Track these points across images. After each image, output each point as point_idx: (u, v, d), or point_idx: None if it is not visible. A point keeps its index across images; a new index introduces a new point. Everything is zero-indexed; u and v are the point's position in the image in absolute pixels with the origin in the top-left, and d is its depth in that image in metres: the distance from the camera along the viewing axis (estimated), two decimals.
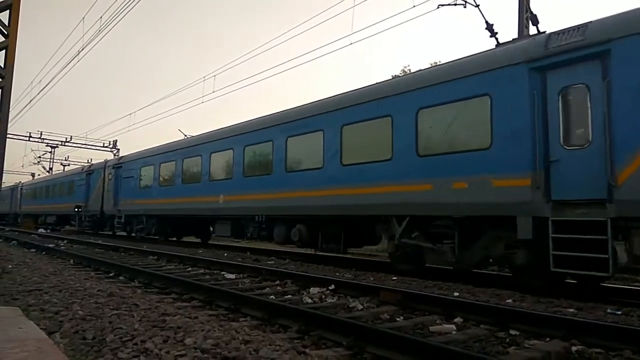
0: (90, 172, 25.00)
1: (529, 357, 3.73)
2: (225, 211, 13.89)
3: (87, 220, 24.77)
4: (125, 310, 4.63)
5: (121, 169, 20.98)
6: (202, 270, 9.31)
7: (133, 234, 20.13)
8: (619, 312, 5.49)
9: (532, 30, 10.63)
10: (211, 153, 14.78)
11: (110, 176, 21.86)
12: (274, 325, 4.73)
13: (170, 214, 17.18)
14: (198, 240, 19.98)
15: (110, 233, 23.77)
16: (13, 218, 40.34)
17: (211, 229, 17.41)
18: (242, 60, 46.49)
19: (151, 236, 18.87)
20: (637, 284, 10.41)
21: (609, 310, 5.59)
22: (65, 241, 17.29)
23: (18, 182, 44.82)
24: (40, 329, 3.82)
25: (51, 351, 3.13)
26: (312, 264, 10.53)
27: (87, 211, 24.50)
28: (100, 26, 17.91)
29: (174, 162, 16.76)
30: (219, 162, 14.45)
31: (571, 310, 5.56)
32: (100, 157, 39.83)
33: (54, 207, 29.77)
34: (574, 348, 4.00)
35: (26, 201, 36.62)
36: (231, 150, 13.82)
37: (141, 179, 19.02)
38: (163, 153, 17.70)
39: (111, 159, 24.51)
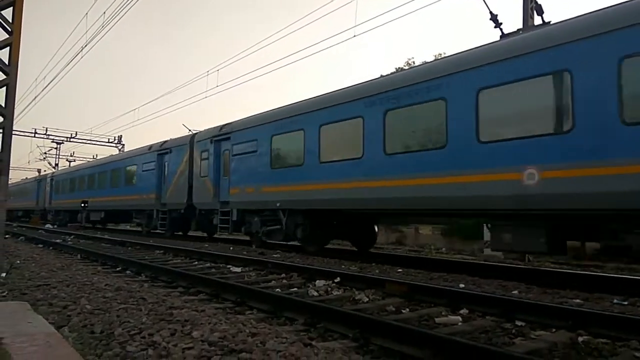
0: (164, 151, 18.61)
1: (535, 348, 3.73)
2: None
3: (162, 218, 18.45)
4: (133, 304, 4.66)
5: (228, 142, 14.60)
6: (208, 264, 9.36)
7: (262, 238, 13.19)
8: (626, 303, 5.48)
9: (537, 20, 10.55)
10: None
11: (205, 154, 15.73)
12: (280, 318, 4.76)
13: (347, 207, 10.59)
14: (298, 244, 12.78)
15: (204, 235, 18.84)
16: (40, 215, 35.51)
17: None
18: (246, 54, 46.39)
19: (298, 243, 12.35)
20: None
21: (615, 301, 5.58)
22: (72, 236, 17.40)
23: (44, 172, 41.01)
24: (49, 323, 3.85)
25: (60, 345, 3.16)
26: (318, 257, 10.56)
27: (160, 205, 18.43)
28: (104, 22, 17.91)
29: (360, 119, 10.02)
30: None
31: (577, 300, 5.56)
32: (105, 152, 39.65)
33: (102, 201, 24.14)
34: (580, 339, 4.00)
35: (60, 194, 31.22)
36: None
37: (276, 154, 12.67)
38: (332, 106, 10.97)
39: (204, 131, 16.76)
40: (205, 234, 19.03)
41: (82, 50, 19.32)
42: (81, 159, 40.86)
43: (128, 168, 21.88)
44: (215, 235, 18.26)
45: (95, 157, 37.26)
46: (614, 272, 10.29)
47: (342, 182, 10.41)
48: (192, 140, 16.96)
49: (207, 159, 15.62)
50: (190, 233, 20.20)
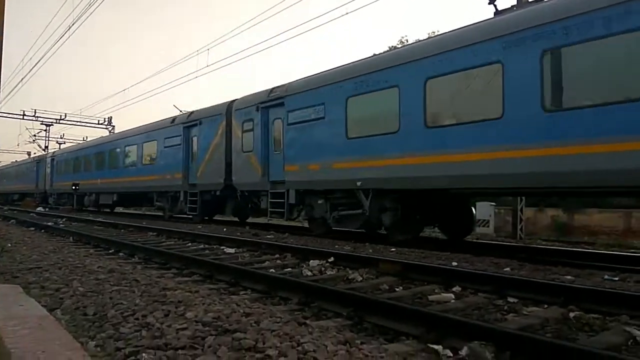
0: (192, 123, 16.08)
1: (527, 324, 3.77)
2: None
3: (191, 201, 15.99)
4: (126, 286, 4.64)
5: (281, 109, 12.00)
6: (201, 246, 9.35)
7: (330, 224, 10.89)
8: (616, 279, 5.55)
9: None
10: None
11: (248, 125, 13.26)
12: (275, 298, 4.77)
13: (479, 185, 8.17)
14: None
15: (242, 220, 16.22)
16: (41, 199, 32.86)
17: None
18: (237, 33, 45.69)
19: (383, 231, 10.24)
20: (632, 250, 10.54)
21: (606, 277, 5.65)
22: (64, 219, 17.30)
23: (34, 154, 39.26)
24: (42, 306, 3.82)
25: (53, 327, 3.14)
26: (312, 237, 10.58)
27: (188, 186, 16.15)
28: (91, 0, 17.48)
29: (498, 65, 7.48)
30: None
31: (569, 277, 5.62)
32: (95, 134, 39.00)
33: (115, 182, 21.54)
34: (572, 314, 4.05)
35: (62, 176, 28.60)
36: None
37: (355, 120, 10.00)
38: (446, 52, 8.32)
39: (245, 97, 14.04)
40: (236, 219, 16.55)
41: (69, 29, 18.96)
42: (71, 141, 40.45)
43: (146, 144, 19.00)
44: (253, 220, 16.14)
45: (85, 139, 36.71)
46: (604, 249, 10.43)
47: (468, 153, 7.73)
48: (229, 108, 14.32)
49: (252, 130, 13.03)
50: (219, 217, 17.31)
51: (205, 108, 16.10)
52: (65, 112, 39.38)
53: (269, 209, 12.45)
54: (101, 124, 38.80)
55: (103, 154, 23.33)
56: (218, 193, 14.78)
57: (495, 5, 9.10)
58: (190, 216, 16.45)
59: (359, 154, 9.73)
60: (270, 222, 15.06)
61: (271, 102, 12.49)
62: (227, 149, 14.18)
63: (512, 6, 9.08)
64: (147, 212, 25.87)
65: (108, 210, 25.47)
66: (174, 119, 17.48)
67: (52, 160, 30.76)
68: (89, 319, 3.60)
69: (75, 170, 26.59)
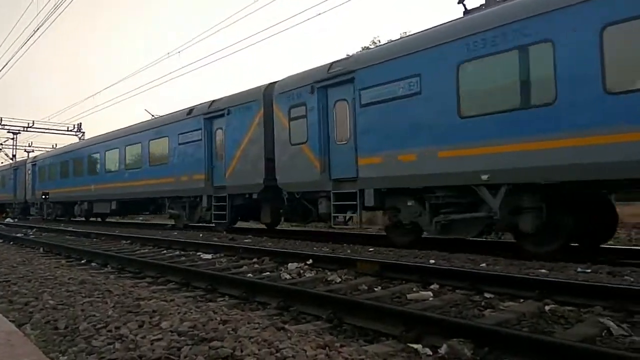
0: (216, 113, 13.51)
1: (504, 318, 3.81)
2: None
3: (218, 207, 13.30)
4: (98, 297, 4.51)
5: (349, 87, 9.69)
6: (177, 252, 9.19)
7: (434, 230, 8.41)
8: (589, 270, 5.67)
9: None
10: None
11: (298, 111, 10.78)
12: (253, 303, 4.71)
13: None
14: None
15: (271, 227, 13.90)
16: (20, 210, 29.87)
17: None
18: (208, 35, 45.28)
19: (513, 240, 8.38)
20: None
21: (579, 269, 5.77)
22: (34, 230, 16.81)
23: (1, 164, 35.92)
24: (9, 321, 3.68)
25: (22, 343, 3.03)
26: (290, 240, 10.53)
27: (213, 189, 13.50)
28: (57, 3, 17.07)
29: None
30: None
31: (543, 270, 5.72)
32: (64, 141, 37.94)
33: (113, 188, 18.71)
34: (547, 307, 4.11)
35: (46, 183, 25.49)
36: None
37: (474, 93, 7.83)
38: None
39: (292, 76, 11.56)
40: (264, 225, 14.18)
41: (34, 33, 18.48)
42: (40, 149, 39.33)
43: (154, 142, 16.31)
44: (240, 225, 14.74)
45: (54, 146, 35.74)
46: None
47: None
48: (267, 92, 11.90)
49: (304, 117, 10.52)
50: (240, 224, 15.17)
51: (233, 95, 13.57)
52: (33, 119, 38.28)
53: (333, 214, 9.98)
54: (70, 130, 37.91)
55: (97, 156, 20.31)
56: (255, 196, 12.09)
57: (464, 5, 9.22)
58: (216, 224, 13.75)
59: (483, 137, 7.44)
60: (332, 229, 12.76)
61: (333, 79, 9.93)
62: (266, 143, 11.71)
63: (481, 5, 9.21)
64: (147, 221, 23.64)
65: (99, 219, 23.76)
66: (190, 110, 14.73)
67: (34, 165, 27.47)
68: (60, 333, 3.48)
69: (63, 175, 23.78)
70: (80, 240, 12.50)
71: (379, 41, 26.55)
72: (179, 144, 14.93)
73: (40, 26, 18.22)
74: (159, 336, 3.08)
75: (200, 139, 14.00)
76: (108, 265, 7.68)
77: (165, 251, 9.57)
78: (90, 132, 38.90)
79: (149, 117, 18.53)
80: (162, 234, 12.49)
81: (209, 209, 13.65)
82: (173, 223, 16.23)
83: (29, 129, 37.95)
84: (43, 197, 25.26)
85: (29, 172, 27.96)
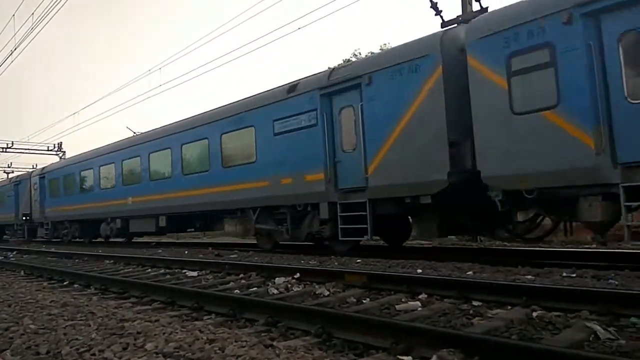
0: (343, 85, 9.77)
1: (493, 326, 3.81)
2: None
3: (346, 219, 9.52)
4: (81, 320, 4.40)
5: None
6: (162, 271, 9.05)
7: None
8: (574, 275, 5.73)
9: (475, 6, 10.80)
10: None
11: (529, 59, 6.99)
12: (240, 320, 4.63)
13: None
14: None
15: (395, 245, 11.22)
16: (23, 231, 25.80)
17: None
18: (189, 52, 45.25)
19: None
20: (586, 245, 10.96)
21: (564, 274, 5.82)
22: (14, 252, 16.43)
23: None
24: None
25: None
26: (276, 254, 10.45)
27: (337, 193, 9.85)
28: (33, 23, 16.90)
29: None
30: None
31: (529, 276, 5.76)
32: (45, 161, 37.25)
33: (161, 199, 14.86)
34: (534, 314, 4.12)
35: (61, 198, 21.53)
36: None
37: None
38: None
39: (503, 9, 7.66)
40: (385, 243, 11.59)
41: (11, 54, 18.23)
42: (19, 169, 38.58)
43: (230, 135, 12.45)
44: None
45: (34, 166, 35.04)
46: (559, 247, 10.79)
47: None
48: (448, 41, 8.22)
49: (549, 66, 6.69)
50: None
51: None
52: (12, 139, 37.59)
53: (627, 223, 6.30)
54: (51, 150, 37.31)
55: (136, 162, 16.22)
56: (426, 200, 8.26)
57: (441, 17, 9.37)
58: (346, 241, 9.77)
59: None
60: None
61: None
62: (448, 117, 7.92)
63: (457, 16, 9.38)
64: (190, 240, 20.11)
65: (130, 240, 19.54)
66: (292, 87, 10.87)
67: (42, 179, 23.52)
68: (41, 358, 3.38)
69: (84, 188, 19.72)
70: (62, 262, 12.23)
71: (360, 54, 26.71)
72: (275, 134, 11.02)
73: (17, 46, 17.99)
74: (144, 358, 3.01)
75: (315, 124, 10.07)
76: (91, 286, 7.52)
77: (149, 270, 9.41)
78: (71, 152, 38.22)
79: (130, 134, 18.32)
80: (146, 253, 12.29)
81: (329, 221, 9.88)
82: (254, 241, 12.52)
83: (8, 150, 37.26)
84: (24, 218, 24.46)
85: (36, 186, 23.87)
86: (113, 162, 17.61)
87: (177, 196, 14.11)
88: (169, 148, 14.69)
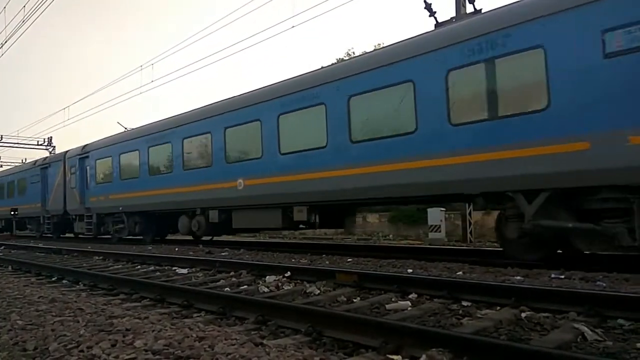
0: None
1: (482, 326, 3.83)
2: None
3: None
4: (70, 316, 4.36)
5: None
6: (151, 268, 9.00)
7: None
8: (562, 276, 5.78)
9: (469, 8, 10.86)
10: None
11: None
12: (230, 318, 4.62)
13: None
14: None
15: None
16: (54, 226, 21.26)
17: None
18: (181, 47, 44.94)
19: None
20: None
21: (552, 275, 5.87)
22: (2, 247, 16.27)
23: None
24: None
25: None
26: (267, 252, 10.43)
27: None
28: (24, 16, 16.71)
29: None
30: None
31: (518, 277, 5.80)
32: (34, 155, 36.75)
33: (329, 178, 9.73)
34: (523, 314, 4.15)
35: (116, 183, 16.68)
36: None
37: None
38: None
39: None
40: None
41: (1, 47, 18.00)
42: (8, 164, 38.20)
43: (372, 97, 9.12)
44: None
45: (24, 161, 34.62)
46: None
47: None
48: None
49: None
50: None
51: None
52: (2, 134, 37.21)
53: None
54: (41, 144, 37.00)
55: (256, 127, 11.49)
56: None
57: (435, 18, 9.40)
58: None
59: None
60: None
61: None
62: None
63: (451, 18, 9.41)
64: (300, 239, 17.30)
65: (71, 235, 19.17)
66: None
67: (83, 159, 18.58)
68: (29, 354, 3.35)
69: (155, 169, 15.02)
70: (50, 257, 12.14)
71: (354, 53, 26.78)
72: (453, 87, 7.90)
73: (8, 39, 17.78)
74: (133, 355, 2.99)
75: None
76: (80, 283, 7.46)
77: (139, 267, 9.35)
78: (61, 147, 37.74)
79: (122, 130, 17.97)
80: (136, 250, 12.22)
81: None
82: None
83: None
84: (12, 212, 23.78)
85: (73, 169, 19.08)
86: (209, 132, 12.85)
87: (349, 173, 9.38)
88: (322, 104, 9.97)
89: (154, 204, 14.97)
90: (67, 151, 20.26)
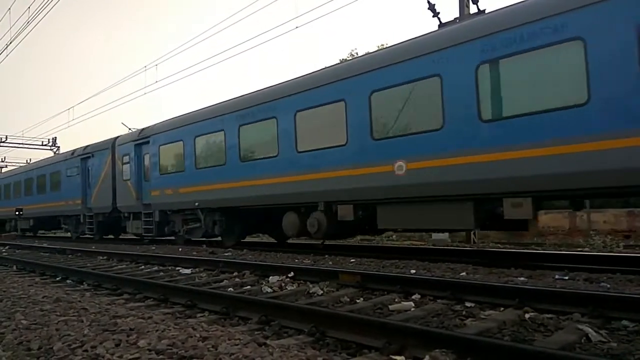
0: None
1: (485, 327, 3.82)
2: None
3: None
4: (74, 316, 4.38)
5: None
6: (155, 268, 9.02)
7: None
8: (566, 278, 5.76)
9: (473, 9, 10.84)
10: None
11: None
12: (233, 318, 4.63)
13: None
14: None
15: None
16: (99, 225, 18.13)
17: None
18: (185, 48, 44.99)
19: None
20: (578, 249, 11.03)
21: (556, 276, 5.85)
22: (7, 247, 16.34)
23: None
24: None
25: None
26: (271, 253, 10.44)
27: None
28: (29, 17, 16.79)
29: None
30: None
31: (522, 278, 5.78)
32: (39, 156, 36.79)
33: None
34: (527, 315, 4.14)
35: (189, 173, 13.36)
36: None
37: None
38: None
39: None
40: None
41: (7, 47, 18.09)
42: (13, 164, 38.37)
43: None
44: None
45: (28, 161, 34.74)
46: (552, 249, 10.86)
47: None
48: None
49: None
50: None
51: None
52: (6, 134, 37.36)
53: None
54: (45, 145, 37.14)
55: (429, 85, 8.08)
56: None
57: (439, 18, 9.39)
58: None
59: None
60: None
61: None
62: None
63: (455, 18, 9.40)
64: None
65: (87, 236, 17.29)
66: None
67: (141, 145, 15.42)
68: (33, 353, 3.36)
69: (249, 155, 11.71)
70: (55, 257, 12.18)
71: (357, 54, 26.74)
72: None
73: (12, 40, 17.87)
74: (137, 355, 3.00)
75: None
76: (84, 283, 7.49)
77: (143, 267, 9.38)
78: (66, 147, 37.81)
79: (126, 130, 17.90)
80: (140, 250, 12.25)
81: None
82: None
83: (2, 144, 37.08)
84: (17, 213, 23.70)
85: (127, 158, 15.92)
86: (342, 100, 9.40)
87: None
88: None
89: (247, 197, 11.47)
90: (116, 137, 17.12)
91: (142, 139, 15.30)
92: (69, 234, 21.19)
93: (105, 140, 17.73)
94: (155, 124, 15.42)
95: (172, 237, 14.91)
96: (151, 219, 14.77)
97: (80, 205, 18.58)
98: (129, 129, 18.10)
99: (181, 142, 13.56)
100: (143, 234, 15.35)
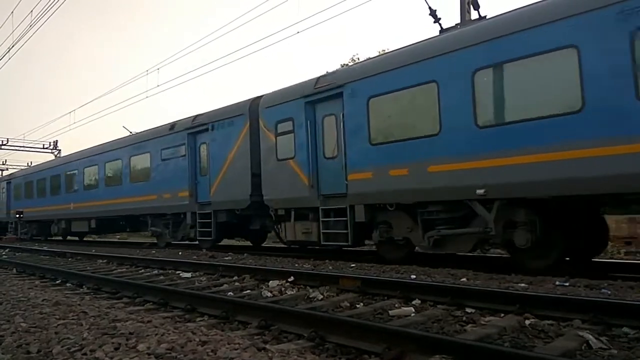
0: None
1: (486, 333, 3.81)
2: None
3: None
4: (73, 319, 4.38)
5: None
6: (155, 271, 9.01)
7: None
8: (567, 284, 5.74)
9: (474, 14, 10.87)
10: None
11: None
12: (233, 322, 4.62)
13: None
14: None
15: None
16: (222, 227, 12.77)
17: None
18: (187, 52, 45.20)
19: None
20: None
21: (557, 282, 5.83)
22: (7, 250, 16.33)
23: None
24: None
25: None
26: (271, 257, 10.43)
27: None
28: (32, 21, 16.85)
29: None
30: None
31: (522, 284, 5.77)
32: (40, 159, 36.78)
33: None
34: (527, 322, 4.13)
35: (481, 134, 7.25)
36: None
37: None
38: None
39: None
40: None
41: (9, 51, 18.15)
42: (14, 167, 38.37)
43: None
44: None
45: (29, 164, 34.74)
46: None
47: None
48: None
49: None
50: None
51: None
52: (7, 137, 37.36)
53: None
54: (46, 148, 37.15)
55: None
56: None
57: (440, 24, 9.42)
58: None
59: None
60: None
61: None
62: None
63: (456, 24, 9.43)
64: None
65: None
66: None
67: (315, 104, 10.25)
68: (32, 357, 3.36)
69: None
70: (55, 260, 12.17)
71: (358, 59, 26.79)
72: None
73: (15, 43, 17.95)
74: (136, 359, 2.99)
75: None
76: (84, 286, 7.48)
77: (143, 270, 9.37)
78: (67, 150, 37.79)
79: (127, 134, 17.83)
80: (140, 253, 12.24)
81: None
82: None
83: (3, 147, 37.10)
84: (17, 215, 23.57)
85: (285, 128, 10.86)
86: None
87: None
88: None
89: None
90: (253, 98, 12.21)
91: (324, 92, 9.99)
92: (153, 239, 16.25)
93: (234, 105, 12.80)
94: (355, 64, 11.86)
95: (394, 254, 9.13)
96: (345, 218, 9.45)
97: (187, 200, 13.54)
98: (130, 132, 18.06)
99: (434, 85, 8.00)
100: (329, 243, 9.89)
